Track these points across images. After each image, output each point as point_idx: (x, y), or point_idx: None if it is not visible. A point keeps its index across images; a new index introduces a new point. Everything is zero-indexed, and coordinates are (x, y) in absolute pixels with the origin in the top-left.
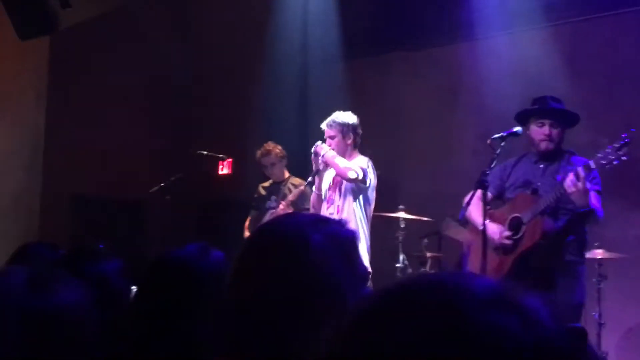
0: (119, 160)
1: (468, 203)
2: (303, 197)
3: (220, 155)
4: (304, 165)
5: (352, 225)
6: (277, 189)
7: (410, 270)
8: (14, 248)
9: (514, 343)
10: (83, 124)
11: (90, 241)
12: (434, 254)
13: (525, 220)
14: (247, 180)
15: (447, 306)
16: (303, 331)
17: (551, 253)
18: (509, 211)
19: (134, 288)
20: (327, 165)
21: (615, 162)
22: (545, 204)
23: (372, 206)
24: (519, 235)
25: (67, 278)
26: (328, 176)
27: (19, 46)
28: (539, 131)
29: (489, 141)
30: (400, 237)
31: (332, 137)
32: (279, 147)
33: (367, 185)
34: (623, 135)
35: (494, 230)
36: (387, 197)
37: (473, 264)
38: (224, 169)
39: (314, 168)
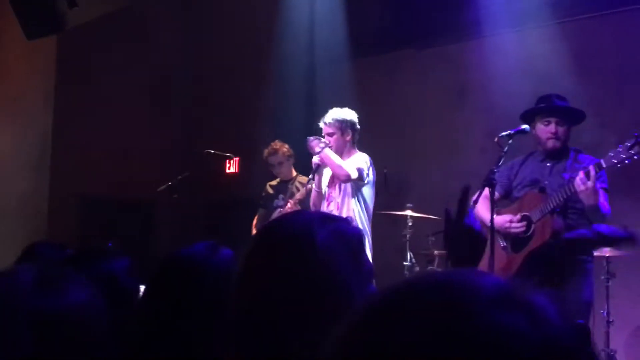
0: (126, 160)
1: (475, 201)
2: (310, 195)
3: (228, 154)
4: (311, 164)
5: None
6: (284, 187)
7: (417, 268)
8: (22, 248)
9: (522, 342)
10: (91, 124)
11: (98, 240)
12: (441, 252)
13: (534, 219)
14: (255, 179)
15: (453, 305)
16: (308, 330)
17: (560, 251)
18: (518, 210)
19: (142, 287)
20: (322, 161)
21: (627, 162)
22: (555, 203)
23: (372, 203)
24: (528, 234)
25: (76, 277)
26: (328, 173)
27: (27, 46)
28: (545, 130)
29: (496, 139)
30: (408, 235)
31: (330, 135)
32: (286, 146)
33: (365, 182)
34: (635, 134)
35: (504, 219)
36: (394, 195)
37: (482, 263)
38: (231, 168)
39: (313, 165)
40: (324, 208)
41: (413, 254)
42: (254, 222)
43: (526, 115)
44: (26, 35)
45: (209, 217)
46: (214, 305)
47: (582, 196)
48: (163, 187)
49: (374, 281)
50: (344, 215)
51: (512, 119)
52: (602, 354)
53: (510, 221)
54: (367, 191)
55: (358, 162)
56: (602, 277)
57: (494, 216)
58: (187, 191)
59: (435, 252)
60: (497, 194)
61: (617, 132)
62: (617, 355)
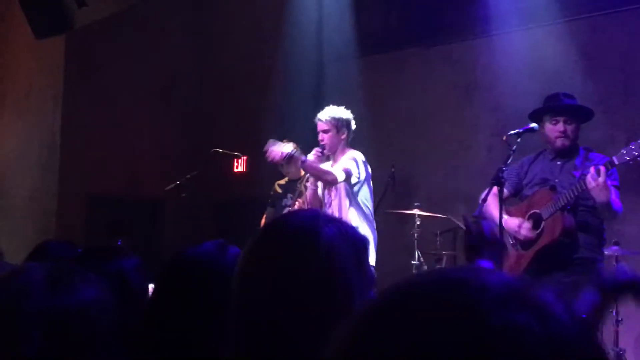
0: (134, 159)
1: (484, 200)
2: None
3: (236, 153)
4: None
5: (353, 224)
6: (293, 186)
7: (425, 267)
8: (31, 247)
9: (531, 341)
10: (99, 124)
11: (106, 239)
12: (449, 252)
13: (544, 216)
14: (263, 178)
15: (461, 304)
16: (309, 328)
17: (569, 249)
18: (528, 207)
19: (151, 286)
20: (306, 169)
21: (639, 159)
22: (565, 200)
23: (371, 200)
24: (538, 231)
25: (87, 275)
26: None
27: (35, 45)
28: (554, 128)
29: (504, 137)
30: (416, 235)
31: (325, 131)
32: (295, 145)
33: (357, 181)
34: None
35: (515, 223)
36: (402, 194)
37: None
38: (239, 167)
39: (289, 153)
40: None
41: (421, 253)
42: (262, 221)
43: (534, 115)
44: (35, 35)
45: (217, 216)
46: (223, 304)
47: (593, 193)
48: (171, 186)
49: (374, 290)
50: (344, 218)
51: (520, 118)
52: (611, 353)
53: (520, 226)
54: (363, 190)
55: (346, 162)
56: None
57: (505, 217)
58: (195, 190)
59: (443, 252)
60: (506, 192)
61: (627, 130)
62: (626, 355)
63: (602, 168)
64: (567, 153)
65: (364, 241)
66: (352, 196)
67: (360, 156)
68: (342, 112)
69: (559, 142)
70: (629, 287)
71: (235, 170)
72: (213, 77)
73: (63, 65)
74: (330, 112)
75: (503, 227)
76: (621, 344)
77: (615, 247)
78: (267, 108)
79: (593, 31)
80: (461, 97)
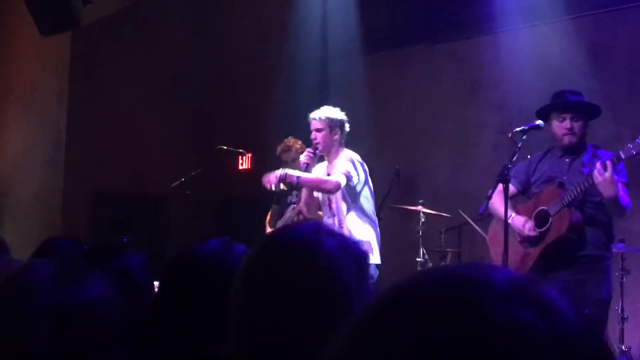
0: (139, 156)
1: (489, 197)
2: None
3: (240, 150)
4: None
5: (357, 228)
6: None
7: (430, 265)
8: (36, 244)
9: (534, 339)
10: (104, 121)
11: (111, 236)
12: (454, 249)
13: (552, 212)
14: None
15: (464, 301)
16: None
17: (577, 246)
18: (535, 204)
19: (156, 283)
20: (303, 185)
21: None
22: (572, 196)
23: (372, 199)
24: (545, 228)
25: (95, 272)
26: (317, 173)
27: (40, 42)
28: (561, 126)
29: (510, 135)
30: (420, 232)
31: (319, 130)
32: (300, 142)
33: (356, 183)
34: None
35: (520, 221)
36: (407, 192)
37: (497, 257)
38: (243, 164)
39: (302, 165)
40: (324, 219)
41: (425, 250)
42: (267, 218)
43: (541, 112)
44: (40, 32)
45: (222, 214)
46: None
47: (600, 188)
48: (176, 183)
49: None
50: (344, 225)
51: (525, 115)
52: (617, 351)
53: (523, 225)
54: (364, 190)
55: (343, 164)
56: (617, 274)
57: (513, 214)
58: (200, 187)
59: (448, 249)
60: (515, 190)
61: (632, 127)
62: (631, 352)
63: (608, 163)
64: (575, 150)
65: (365, 256)
66: (352, 197)
67: (356, 156)
68: (336, 113)
69: (566, 139)
70: None
71: (240, 167)
72: (217, 74)
73: (68, 63)
74: (325, 112)
75: (508, 224)
76: (627, 342)
77: (621, 245)
78: (271, 105)
79: (598, 28)
80: (466, 94)
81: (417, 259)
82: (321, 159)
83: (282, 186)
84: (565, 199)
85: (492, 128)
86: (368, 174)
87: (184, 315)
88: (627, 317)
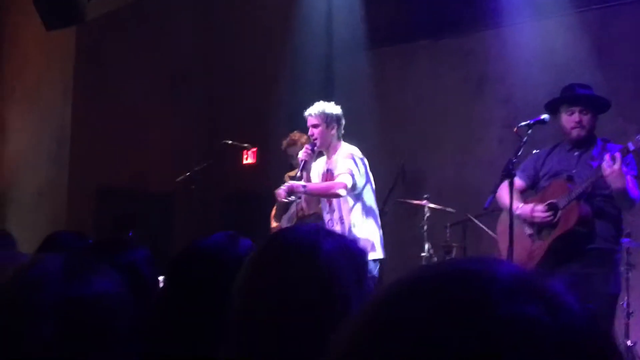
0: (144, 151)
1: (494, 191)
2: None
3: (245, 145)
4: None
5: (359, 224)
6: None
7: (435, 260)
8: (41, 239)
9: (540, 333)
10: (109, 116)
11: (116, 231)
12: (459, 244)
13: (560, 205)
14: (272, 170)
15: (469, 295)
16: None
17: (585, 239)
18: (544, 198)
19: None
20: (310, 194)
21: None
22: (582, 189)
23: (374, 194)
24: (554, 221)
25: (103, 267)
26: (316, 169)
27: (45, 37)
28: (569, 119)
29: (515, 129)
30: (425, 227)
31: (315, 126)
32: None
33: (357, 181)
34: None
35: (528, 209)
36: (412, 187)
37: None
38: (248, 159)
39: (300, 162)
40: (325, 218)
41: (431, 245)
42: (272, 213)
43: (550, 106)
44: (45, 27)
45: (227, 208)
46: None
47: (609, 180)
48: (181, 178)
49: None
50: (346, 221)
51: (531, 110)
52: (622, 346)
53: (532, 209)
54: (366, 186)
55: (345, 163)
56: (622, 268)
57: (520, 205)
58: (205, 182)
59: (453, 244)
60: (523, 184)
61: (638, 122)
62: (637, 347)
63: (617, 155)
64: (584, 144)
65: (363, 255)
66: (355, 193)
67: (356, 151)
68: (331, 108)
69: (574, 133)
70: None
71: (245, 162)
72: (222, 69)
73: (73, 59)
74: (320, 107)
75: (514, 218)
76: (632, 337)
77: (627, 239)
78: (276, 100)
79: (604, 23)
80: (472, 89)
81: (422, 254)
82: (320, 154)
83: (292, 197)
84: (574, 192)
85: (498, 122)
86: (368, 168)
87: (190, 308)
88: (633, 312)
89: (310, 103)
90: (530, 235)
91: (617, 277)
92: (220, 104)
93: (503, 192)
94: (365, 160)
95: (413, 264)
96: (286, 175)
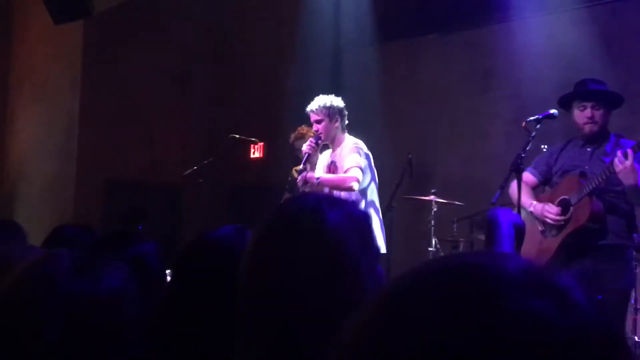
0: (152, 145)
1: (502, 186)
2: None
3: (252, 139)
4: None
5: None
6: None
7: (442, 254)
8: (48, 232)
9: (549, 330)
10: (117, 109)
11: (124, 224)
12: (466, 239)
13: (573, 201)
14: (279, 164)
15: (476, 290)
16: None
17: (598, 235)
18: (557, 194)
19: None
20: (323, 185)
21: None
22: (594, 185)
23: (375, 188)
24: (566, 217)
25: (111, 261)
26: (321, 162)
27: (53, 31)
28: (581, 114)
29: (523, 124)
30: (433, 221)
31: (318, 122)
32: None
33: (364, 174)
34: None
35: (540, 207)
36: (419, 181)
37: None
38: (255, 153)
39: (304, 154)
40: None
41: (438, 239)
42: None
43: (562, 101)
44: (53, 20)
45: (235, 202)
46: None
47: (620, 176)
48: (188, 171)
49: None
50: None
51: (539, 104)
52: (630, 342)
53: (543, 208)
54: (367, 178)
55: (353, 157)
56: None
57: (533, 202)
58: (213, 176)
59: (460, 238)
60: (535, 181)
61: None
62: None
63: (629, 151)
64: (596, 139)
65: (366, 217)
66: (359, 190)
67: (361, 144)
68: (332, 100)
69: (587, 128)
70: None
71: (252, 156)
72: (230, 63)
73: (81, 51)
74: (320, 102)
75: (527, 214)
76: None
77: (635, 235)
78: (284, 94)
79: (612, 17)
80: (479, 83)
81: (429, 249)
82: (325, 146)
83: (307, 188)
84: (586, 188)
85: (505, 117)
86: (372, 163)
87: (197, 300)
88: None
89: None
90: (542, 232)
91: (629, 272)
92: (228, 98)
93: (514, 190)
94: (370, 155)
95: (420, 259)
96: (293, 169)
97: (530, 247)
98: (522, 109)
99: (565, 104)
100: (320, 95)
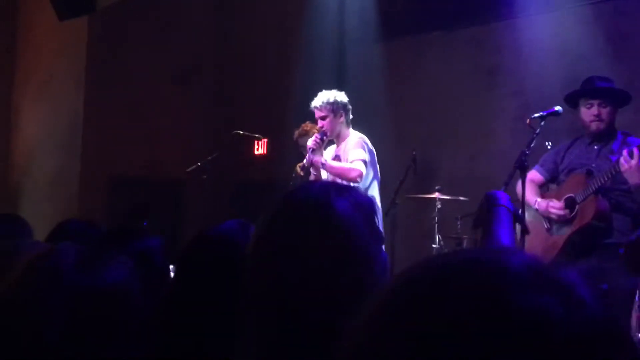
0: (156, 141)
1: (506, 183)
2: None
3: (256, 135)
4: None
5: None
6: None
7: (446, 251)
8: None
9: (554, 327)
10: (121, 105)
11: (130, 220)
12: (470, 236)
13: (578, 200)
14: (283, 160)
15: (480, 286)
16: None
17: (603, 234)
18: (563, 192)
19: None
20: (327, 171)
21: None
22: (599, 183)
23: (377, 184)
24: (572, 215)
25: (116, 255)
26: (325, 158)
27: (58, 27)
28: (588, 112)
29: (528, 121)
30: (437, 218)
31: (323, 118)
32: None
33: (367, 169)
34: None
35: (545, 204)
36: (424, 178)
37: (528, 244)
38: (259, 149)
39: (308, 149)
40: None
41: (442, 236)
42: None
43: (569, 99)
44: (58, 16)
45: (238, 198)
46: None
47: (626, 175)
48: (192, 167)
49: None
50: None
51: (544, 101)
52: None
53: (548, 205)
54: (369, 174)
55: (357, 152)
56: None
57: (538, 199)
58: (216, 172)
59: (464, 235)
60: (542, 178)
61: None
62: None
63: (635, 150)
64: (603, 137)
65: (370, 202)
66: (363, 187)
67: (366, 140)
68: (336, 95)
69: (593, 126)
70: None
71: (256, 152)
72: (234, 60)
73: (85, 47)
74: (325, 98)
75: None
76: None
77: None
78: (288, 91)
79: (618, 14)
80: (484, 80)
81: (433, 245)
82: (330, 142)
83: (311, 170)
84: (592, 186)
85: (510, 114)
86: (376, 158)
87: (201, 295)
88: None
89: None
90: (547, 229)
91: None
92: (232, 94)
93: (520, 186)
94: (374, 151)
95: (424, 256)
96: (297, 166)
97: (535, 245)
98: (526, 106)
99: (571, 101)
100: (324, 91)
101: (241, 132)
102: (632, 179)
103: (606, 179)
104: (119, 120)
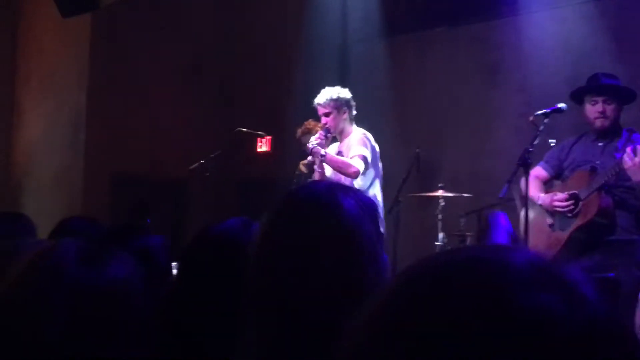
0: (159, 138)
1: (509, 181)
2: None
3: (259, 133)
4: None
5: None
6: None
7: (449, 248)
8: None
9: (557, 325)
10: (124, 102)
11: (133, 218)
12: (473, 233)
13: (582, 196)
14: (286, 158)
15: (482, 284)
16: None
17: (606, 230)
18: (567, 188)
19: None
20: (327, 163)
21: None
22: (603, 180)
23: (380, 181)
24: (576, 210)
25: (118, 252)
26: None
27: (61, 24)
28: (593, 109)
29: (531, 118)
30: (440, 216)
31: (327, 115)
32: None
33: (368, 166)
34: None
35: (549, 198)
36: (427, 175)
37: (532, 241)
38: (262, 147)
39: (308, 148)
40: None
41: (445, 234)
42: None
43: (575, 96)
44: (61, 13)
45: (241, 196)
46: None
47: (629, 172)
48: (195, 165)
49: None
50: None
51: (546, 98)
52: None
53: (551, 199)
54: (371, 171)
55: (359, 149)
56: None
57: (542, 195)
58: (219, 170)
59: (467, 233)
60: (546, 175)
61: None
62: None
63: (638, 147)
64: (608, 134)
65: (373, 203)
66: (365, 185)
67: (370, 136)
68: (339, 92)
69: (598, 123)
70: None
71: (259, 150)
72: (237, 57)
73: (88, 44)
74: (328, 95)
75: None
76: None
77: None
78: (291, 89)
79: (621, 10)
80: (487, 77)
81: (436, 243)
82: (333, 139)
83: (310, 158)
84: (595, 183)
85: (513, 111)
86: (379, 156)
87: (204, 293)
88: None
89: None
90: (550, 226)
91: (638, 268)
92: (235, 91)
93: (524, 183)
94: (377, 148)
95: (427, 253)
96: (300, 164)
97: (538, 241)
98: (529, 103)
99: (577, 98)
100: (327, 88)
101: (244, 130)
102: (636, 176)
103: (610, 176)
104: (122, 117)
